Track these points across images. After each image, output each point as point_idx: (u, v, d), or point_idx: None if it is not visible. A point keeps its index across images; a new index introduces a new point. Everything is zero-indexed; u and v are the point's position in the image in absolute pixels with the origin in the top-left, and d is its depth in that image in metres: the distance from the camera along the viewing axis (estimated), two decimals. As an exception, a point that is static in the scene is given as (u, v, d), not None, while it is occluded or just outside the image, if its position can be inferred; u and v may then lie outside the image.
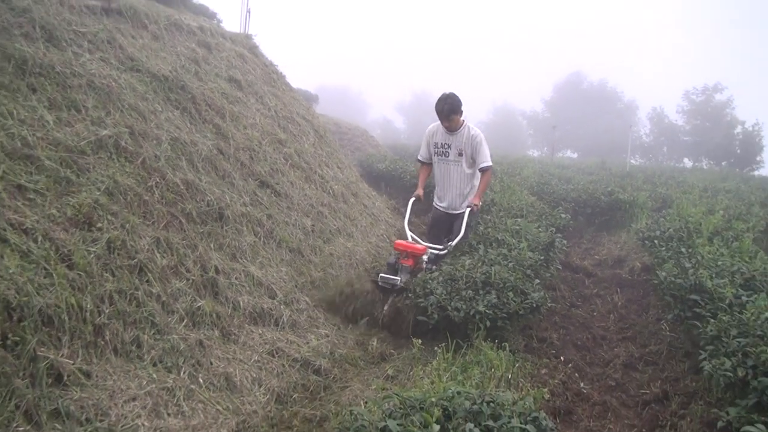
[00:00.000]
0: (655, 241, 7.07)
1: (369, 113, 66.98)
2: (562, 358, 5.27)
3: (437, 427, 2.66)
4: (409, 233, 6.38)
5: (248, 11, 11.05)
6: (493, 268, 5.32)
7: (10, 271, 3.41)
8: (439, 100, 6.47)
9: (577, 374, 5.02)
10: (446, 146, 6.69)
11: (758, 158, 39.52)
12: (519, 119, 61.12)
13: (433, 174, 6.97)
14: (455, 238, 6.36)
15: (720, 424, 3.60)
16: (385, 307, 5.65)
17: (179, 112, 6.13)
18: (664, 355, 5.37)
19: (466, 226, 6.43)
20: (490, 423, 2.89)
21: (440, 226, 6.90)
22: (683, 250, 6.16)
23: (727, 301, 4.62)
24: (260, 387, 4.39)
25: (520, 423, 2.93)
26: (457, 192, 6.76)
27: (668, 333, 5.69)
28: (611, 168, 20.71)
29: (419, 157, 7.06)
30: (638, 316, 6.52)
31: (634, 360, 5.39)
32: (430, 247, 6.21)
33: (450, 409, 2.98)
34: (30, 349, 3.27)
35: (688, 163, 43.52)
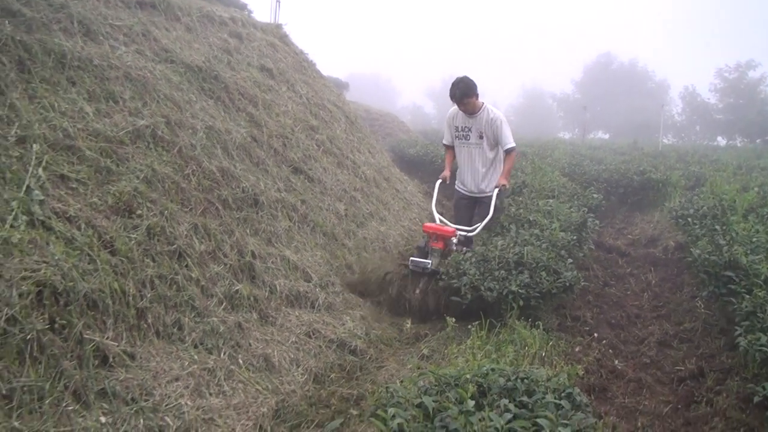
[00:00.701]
0: (689, 219, 7.03)
1: (399, 100, 67.09)
2: (595, 335, 5.30)
3: (472, 403, 2.72)
4: (437, 216, 6.37)
5: (278, 1, 11.14)
6: (525, 248, 5.35)
7: (56, 258, 3.53)
8: (452, 85, 6.40)
9: (611, 352, 5.05)
10: (466, 129, 6.63)
11: (794, 134, 38.84)
12: (549, 102, 60.71)
13: (456, 158, 6.94)
14: (484, 219, 6.30)
15: (756, 399, 3.61)
16: (417, 291, 5.66)
17: (213, 102, 6.24)
18: (699, 332, 5.37)
19: (495, 207, 6.36)
20: (525, 398, 2.94)
21: (463, 209, 6.86)
22: (717, 227, 6.12)
23: (762, 277, 4.61)
24: (298, 367, 4.50)
25: (555, 398, 2.98)
26: (479, 175, 6.68)
27: (703, 310, 5.67)
28: (643, 148, 20.49)
29: (444, 142, 7.01)
30: (672, 294, 6.50)
31: (668, 337, 5.39)
32: (459, 229, 6.17)
33: (485, 386, 3.04)
34: (77, 332, 3.38)
35: (721, 141, 42.87)
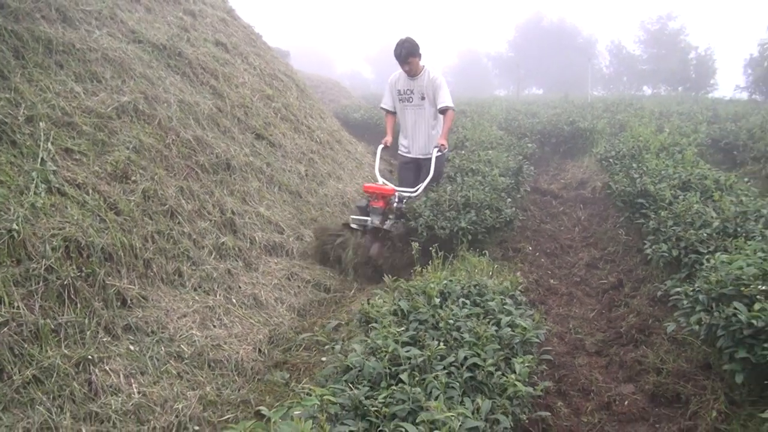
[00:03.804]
0: (611, 160, 7.94)
1: (337, 67, 67.14)
2: (538, 255, 6.14)
3: (438, 300, 3.50)
4: (381, 180, 6.50)
5: (220, -25, 11.53)
6: (471, 191, 6.10)
7: (75, 218, 4.15)
8: (397, 45, 6.54)
9: (548, 274, 5.92)
10: (409, 92, 6.82)
11: (712, 81, 40.96)
12: (484, 61, 61.71)
13: (398, 121, 7.12)
14: (425, 179, 6.50)
15: (659, 293, 4.50)
16: (355, 249, 5.96)
17: (180, 77, 6.79)
18: (620, 254, 6.29)
19: (435, 166, 6.61)
20: (477, 299, 3.75)
21: (408, 172, 7.11)
22: (634, 165, 7.01)
23: (667, 201, 5.49)
24: (282, 304, 5.23)
25: (501, 298, 3.79)
26: (424, 136, 6.92)
27: (624, 237, 6.59)
28: (574, 101, 21.48)
29: (383, 106, 7.17)
30: (599, 226, 7.42)
31: (595, 260, 6.30)
32: (401, 191, 6.38)
33: (446, 292, 3.82)
34: (100, 279, 4.04)
35: (647, 90, 44.73)
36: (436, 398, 2.38)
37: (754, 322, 3.09)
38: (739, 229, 4.49)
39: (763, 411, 2.86)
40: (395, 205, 6.16)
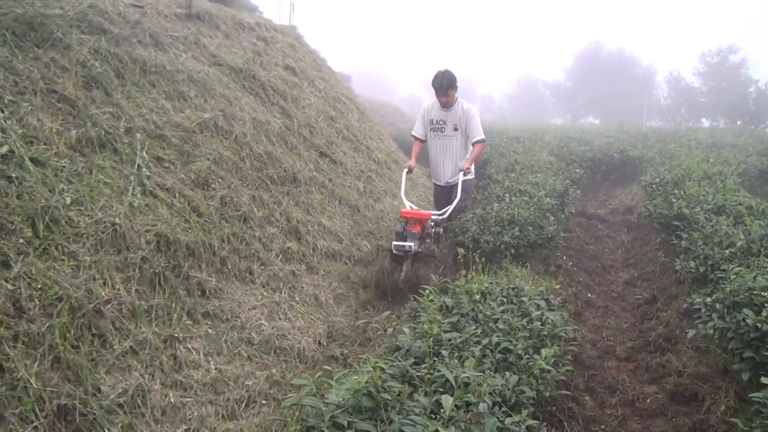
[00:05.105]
0: (654, 186, 8.29)
1: (397, 92, 68.02)
2: (579, 272, 6.52)
3: (478, 296, 3.99)
4: (407, 203, 6.66)
5: (292, 5, 12.35)
6: (516, 210, 6.54)
7: (165, 217, 4.78)
8: (436, 76, 6.78)
9: (587, 289, 6.32)
10: (442, 122, 6.99)
11: (772, 115, 40.45)
12: (542, 89, 61.76)
13: (429, 151, 7.31)
14: (453, 201, 6.64)
15: (685, 306, 4.88)
16: (402, 273, 6.18)
17: (253, 97, 7.47)
18: (657, 273, 6.64)
19: (464, 190, 6.75)
20: (514, 299, 4.21)
21: (441, 197, 7.31)
22: (675, 191, 7.34)
23: (700, 224, 5.85)
24: (340, 305, 5.78)
25: (536, 300, 4.25)
26: (451, 165, 7.09)
27: (662, 258, 6.92)
28: (628, 130, 21.65)
29: (413, 133, 7.28)
30: (641, 248, 7.77)
31: (633, 279, 6.67)
32: (432, 214, 6.49)
33: (486, 293, 4.30)
34: (185, 271, 4.64)
35: (705, 123, 44.19)
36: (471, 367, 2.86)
37: (759, 325, 3.49)
38: (762, 249, 4.85)
39: (764, 402, 3.24)
40: (432, 230, 6.38)
